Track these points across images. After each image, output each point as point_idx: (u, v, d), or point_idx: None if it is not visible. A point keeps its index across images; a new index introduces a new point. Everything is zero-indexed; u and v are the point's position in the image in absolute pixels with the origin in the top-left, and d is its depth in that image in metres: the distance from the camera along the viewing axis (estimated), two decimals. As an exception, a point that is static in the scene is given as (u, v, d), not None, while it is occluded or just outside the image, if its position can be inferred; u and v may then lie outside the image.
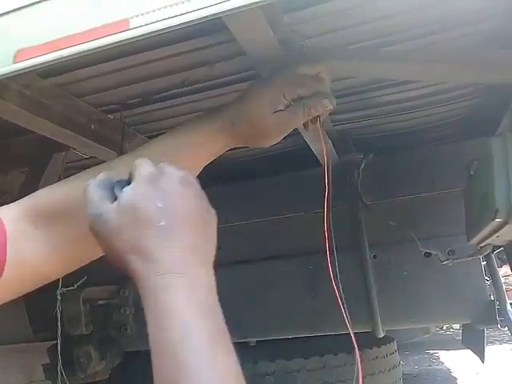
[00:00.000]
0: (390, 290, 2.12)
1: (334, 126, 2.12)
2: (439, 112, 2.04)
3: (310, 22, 1.32)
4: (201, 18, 1.02)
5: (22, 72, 1.15)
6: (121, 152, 1.79)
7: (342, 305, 1.59)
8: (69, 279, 1.95)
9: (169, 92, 1.68)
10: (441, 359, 7.86)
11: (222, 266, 2.54)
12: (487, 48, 1.43)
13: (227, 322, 2.32)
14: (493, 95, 1.90)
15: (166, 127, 2.01)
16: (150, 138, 2.08)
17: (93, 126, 1.78)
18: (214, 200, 2.45)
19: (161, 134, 2.01)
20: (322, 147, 1.73)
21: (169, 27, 1.03)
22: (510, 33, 1.37)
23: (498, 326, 2.05)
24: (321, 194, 1.78)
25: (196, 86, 1.68)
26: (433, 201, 2.10)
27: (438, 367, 7.39)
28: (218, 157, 2.30)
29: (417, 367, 7.41)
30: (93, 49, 1.09)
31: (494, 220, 1.10)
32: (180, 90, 1.68)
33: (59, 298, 1.84)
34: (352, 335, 1.48)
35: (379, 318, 2.10)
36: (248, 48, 1.23)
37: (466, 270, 2.01)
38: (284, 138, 2.14)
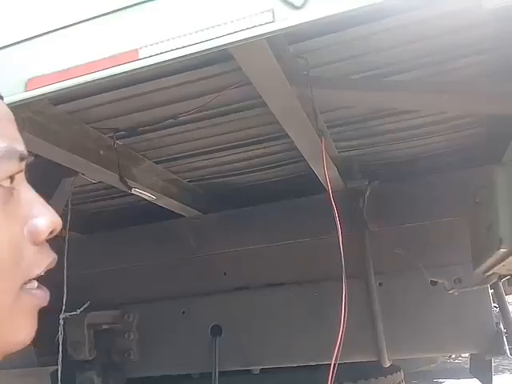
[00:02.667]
0: (396, 319, 2.09)
1: (339, 152, 2.14)
2: (444, 140, 2.05)
3: (314, 52, 1.35)
4: (207, 50, 1.05)
5: (32, 100, 1.18)
6: (120, 176, 1.81)
7: (341, 335, 1.58)
8: (72, 304, 1.96)
9: (177, 119, 1.71)
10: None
11: (226, 291, 2.52)
12: (487, 79, 1.45)
13: (231, 349, 2.28)
14: (496, 124, 1.91)
15: (174, 153, 2.04)
16: (158, 163, 2.11)
17: (101, 152, 1.80)
18: (218, 225, 2.44)
19: (169, 159, 2.08)
20: (325, 173, 1.76)
21: (177, 58, 1.06)
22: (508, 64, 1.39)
23: (508, 354, 2.01)
24: (324, 221, 1.79)
25: (203, 113, 1.71)
26: (439, 228, 2.09)
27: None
28: (222, 182, 2.33)
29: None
30: (102, 78, 1.12)
31: (498, 250, 1.10)
32: (188, 116, 1.71)
33: (61, 323, 1.84)
34: (332, 366, 1.46)
35: (385, 347, 2.07)
36: (253, 77, 1.26)
37: (473, 298, 1.98)
38: (289, 164, 2.19)
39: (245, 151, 2.04)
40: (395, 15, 1.21)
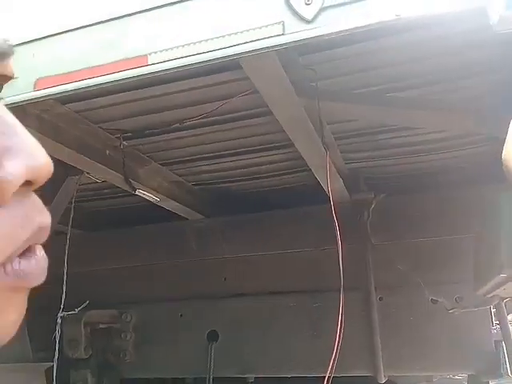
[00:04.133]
0: (395, 335, 2.08)
1: (346, 164, 2.13)
2: (451, 157, 2.04)
3: (323, 64, 1.34)
4: (215, 59, 1.05)
5: (41, 100, 1.19)
6: (125, 176, 1.82)
7: (337, 348, 1.57)
8: (71, 301, 1.95)
9: (184, 124, 1.71)
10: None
11: (225, 297, 2.51)
12: (490, 101, 1.44)
13: (226, 356, 2.26)
14: (502, 144, 1.89)
15: (181, 156, 2.04)
16: (164, 165, 2.11)
17: (108, 152, 1.81)
18: (220, 230, 2.42)
19: (175, 162, 2.08)
20: (329, 189, 1.75)
21: (185, 65, 1.06)
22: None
23: (509, 373, 1.98)
24: (328, 231, 1.78)
25: (210, 118, 1.71)
26: (442, 246, 2.07)
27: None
28: (227, 187, 2.33)
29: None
30: (111, 82, 1.12)
31: (499, 275, 1.08)
32: (195, 121, 1.71)
33: (59, 321, 1.84)
34: (326, 379, 1.45)
35: (382, 363, 2.05)
36: (261, 87, 1.26)
37: (473, 319, 1.97)
38: (294, 173, 2.18)
39: (251, 158, 2.03)
40: (403, 33, 1.20)
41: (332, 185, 2.00)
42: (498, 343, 2.03)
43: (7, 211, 0.30)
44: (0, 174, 0.29)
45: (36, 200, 0.33)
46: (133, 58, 1.13)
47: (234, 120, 1.73)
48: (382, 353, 2.06)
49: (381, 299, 2.13)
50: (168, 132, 1.82)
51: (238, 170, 2.17)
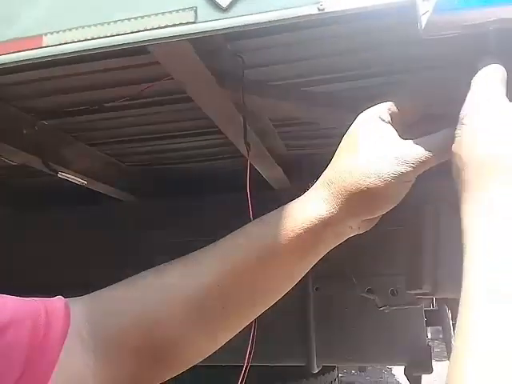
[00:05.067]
0: (330, 325, 2.07)
1: (287, 151, 2.05)
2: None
3: (250, 52, 1.23)
4: (117, 45, 0.92)
5: None
6: (43, 159, 1.68)
7: (253, 336, 1.53)
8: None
9: (105, 105, 1.57)
10: (393, 371, 7.95)
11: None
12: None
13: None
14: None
15: (109, 137, 1.91)
16: (90, 146, 1.97)
17: (24, 132, 1.66)
18: (156, 214, 2.27)
19: (104, 143, 1.94)
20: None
21: (85, 50, 0.92)
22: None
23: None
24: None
25: (137, 101, 1.58)
26: (379, 237, 2.03)
27: (389, 380, 7.48)
28: (160, 168, 2.21)
29: (368, 378, 7.48)
30: (2, 64, 0.99)
31: (421, 289, 1.04)
32: (119, 103, 1.58)
33: None
34: (244, 368, 1.42)
35: (315, 353, 2.04)
36: (175, 75, 1.14)
37: (407, 312, 1.97)
38: (231, 158, 2.08)
39: (184, 142, 1.93)
40: (341, 24, 1.11)
41: (271, 174, 1.93)
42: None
43: None
44: None
45: None
46: (26, 37, 0.98)
47: (162, 104, 1.60)
48: (315, 343, 2.05)
49: (317, 289, 2.10)
50: (92, 112, 1.68)
51: (172, 153, 2.06)
